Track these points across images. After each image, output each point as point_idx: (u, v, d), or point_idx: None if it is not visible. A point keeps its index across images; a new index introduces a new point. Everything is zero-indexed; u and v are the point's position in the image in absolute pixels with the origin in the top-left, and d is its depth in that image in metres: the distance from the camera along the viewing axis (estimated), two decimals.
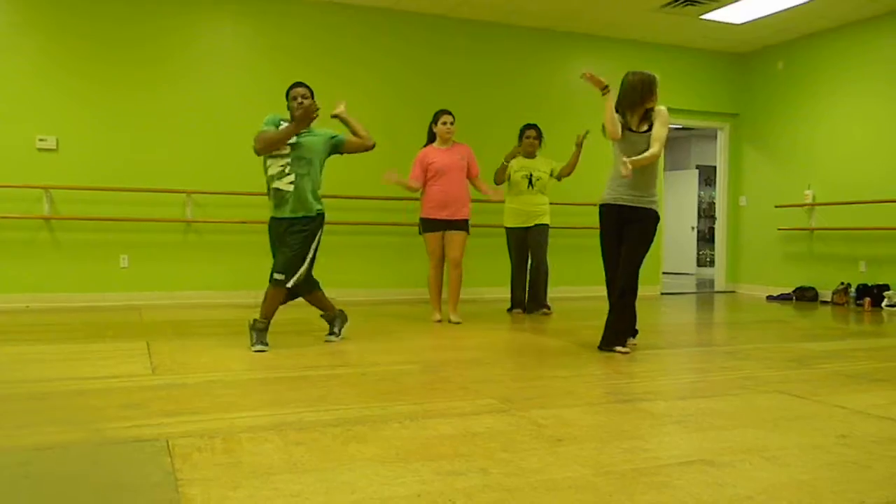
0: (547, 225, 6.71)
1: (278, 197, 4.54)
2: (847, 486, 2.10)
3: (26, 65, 7.03)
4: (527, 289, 6.79)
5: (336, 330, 4.87)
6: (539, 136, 6.77)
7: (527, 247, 6.75)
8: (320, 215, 4.60)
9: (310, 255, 4.54)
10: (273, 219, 4.62)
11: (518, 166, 6.70)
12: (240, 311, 6.61)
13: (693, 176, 14.42)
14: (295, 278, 4.46)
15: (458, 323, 5.86)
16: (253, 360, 4.12)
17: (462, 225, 5.95)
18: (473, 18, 8.50)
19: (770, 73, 9.56)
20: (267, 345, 4.41)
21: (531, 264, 6.79)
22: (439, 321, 5.94)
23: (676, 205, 14.10)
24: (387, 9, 8.11)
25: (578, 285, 8.69)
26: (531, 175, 6.66)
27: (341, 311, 4.95)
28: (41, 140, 7.01)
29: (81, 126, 7.09)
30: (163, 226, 7.29)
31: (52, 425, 2.67)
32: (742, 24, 8.53)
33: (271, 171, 4.56)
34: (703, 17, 8.33)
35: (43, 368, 3.73)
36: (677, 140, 14.68)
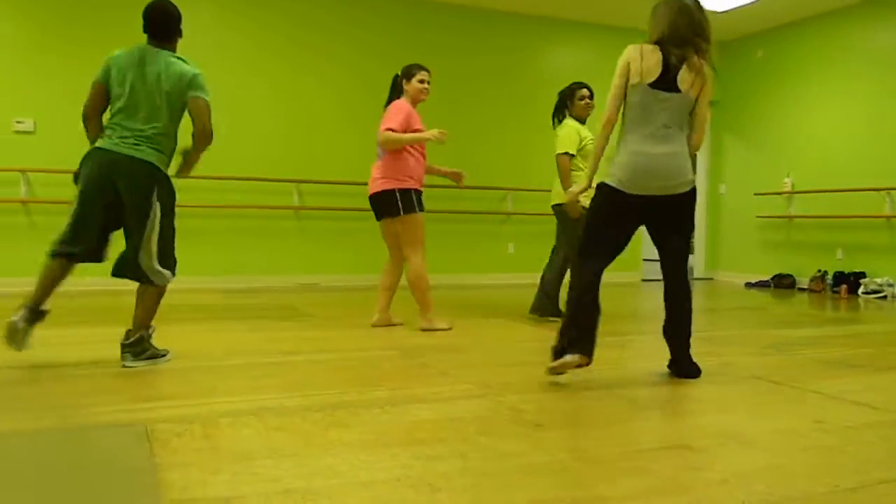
0: None
1: None
2: (822, 470, 2.13)
3: (2, 46, 6.91)
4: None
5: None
6: (594, 96, 5.42)
7: None
8: None
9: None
10: None
11: (587, 134, 5.25)
12: (219, 296, 6.58)
13: None
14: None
15: (401, 324, 5.01)
16: (232, 345, 4.10)
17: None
18: (459, 3, 8.47)
19: (750, 62, 9.61)
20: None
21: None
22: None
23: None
24: None
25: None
26: None
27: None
28: (18, 122, 6.92)
29: (60, 108, 6.99)
30: None
31: (29, 411, 2.64)
32: (723, 12, 8.56)
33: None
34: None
35: (19, 353, 3.69)
36: None
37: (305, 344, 4.20)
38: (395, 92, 4.84)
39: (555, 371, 3.17)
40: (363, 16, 8.12)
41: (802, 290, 8.64)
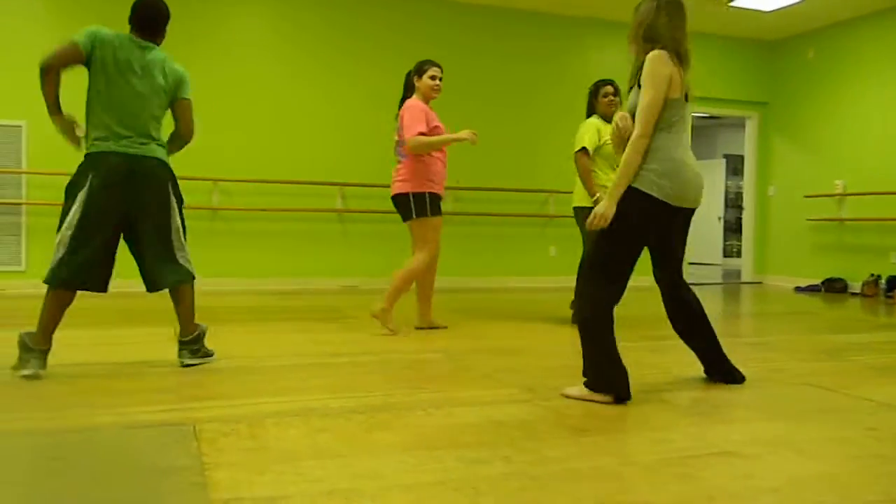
0: None
1: None
2: (874, 479, 2.08)
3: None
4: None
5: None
6: (619, 93, 5.23)
7: None
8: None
9: None
10: None
11: (609, 135, 5.02)
12: (265, 297, 6.66)
13: (720, 165, 14.27)
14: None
15: (445, 327, 4.94)
16: (277, 346, 4.15)
17: None
18: (505, 6, 8.46)
19: (800, 62, 9.41)
20: None
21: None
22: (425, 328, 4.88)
23: (703, 194, 13.95)
24: None
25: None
26: None
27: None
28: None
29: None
30: (189, 213, 7.34)
31: (83, 408, 2.71)
32: (771, 11, 8.41)
33: None
34: (733, 4, 8.21)
35: (75, 353, 3.78)
36: (704, 129, 14.52)
37: (349, 345, 4.22)
38: (408, 90, 4.78)
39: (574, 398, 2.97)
40: (407, 21, 8.16)
41: (855, 294, 8.43)
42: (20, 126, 7.02)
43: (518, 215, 8.51)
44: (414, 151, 4.52)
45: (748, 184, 10.14)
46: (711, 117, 12.87)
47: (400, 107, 4.76)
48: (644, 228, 2.98)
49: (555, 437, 2.43)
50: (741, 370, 3.37)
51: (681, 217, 3.08)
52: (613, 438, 2.44)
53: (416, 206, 4.55)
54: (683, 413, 2.83)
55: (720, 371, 3.33)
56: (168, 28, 3.60)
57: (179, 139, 3.54)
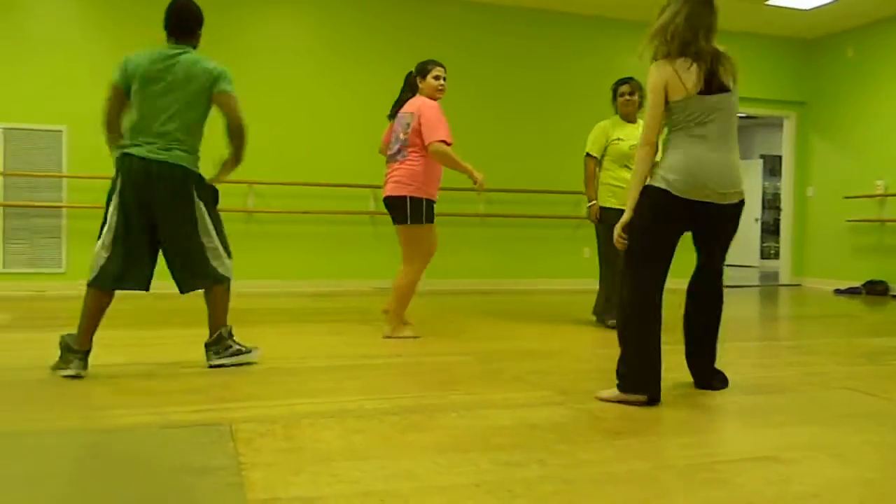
0: None
1: None
2: None
3: (94, 59, 7.24)
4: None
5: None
6: (637, 92, 5.14)
7: None
8: None
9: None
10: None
11: (622, 134, 5.06)
12: (301, 300, 6.72)
13: (757, 166, 14.07)
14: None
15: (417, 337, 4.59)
16: (312, 347, 4.18)
17: None
18: (537, 7, 8.44)
19: (839, 61, 9.25)
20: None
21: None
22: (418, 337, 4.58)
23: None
24: None
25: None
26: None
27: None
28: None
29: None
30: (225, 216, 7.44)
31: (121, 408, 2.75)
32: (810, 9, 8.27)
33: None
34: (769, 2, 8.10)
35: (111, 353, 3.84)
36: (741, 129, 14.28)
37: (381, 348, 4.24)
38: (409, 90, 4.63)
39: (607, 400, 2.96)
40: (439, 25, 8.18)
41: None
42: (61, 130, 7.17)
43: (551, 216, 8.48)
44: (435, 158, 4.39)
45: (786, 184, 9.99)
46: (748, 117, 12.69)
47: (398, 106, 4.62)
48: (658, 219, 2.98)
49: (589, 440, 2.42)
50: (779, 373, 3.33)
51: (708, 212, 3.02)
52: (648, 442, 2.42)
53: (412, 211, 4.41)
54: (718, 416, 2.80)
55: (707, 382, 3.23)
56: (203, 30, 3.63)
57: (231, 135, 3.50)
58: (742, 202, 3.12)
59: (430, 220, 4.48)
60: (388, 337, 4.48)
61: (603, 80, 5.30)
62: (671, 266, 3.04)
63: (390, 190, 4.50)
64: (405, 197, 4.41)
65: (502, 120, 8.49)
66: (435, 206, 4.53)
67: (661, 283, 3.00)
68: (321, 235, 7.81)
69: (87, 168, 7.12)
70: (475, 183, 4.43)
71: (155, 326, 4.92)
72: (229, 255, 3.57)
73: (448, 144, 4.35)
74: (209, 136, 3.59)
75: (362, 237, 7.91)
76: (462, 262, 8.12)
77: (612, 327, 4.82)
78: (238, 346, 3.57)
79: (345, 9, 7.95)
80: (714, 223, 3.11)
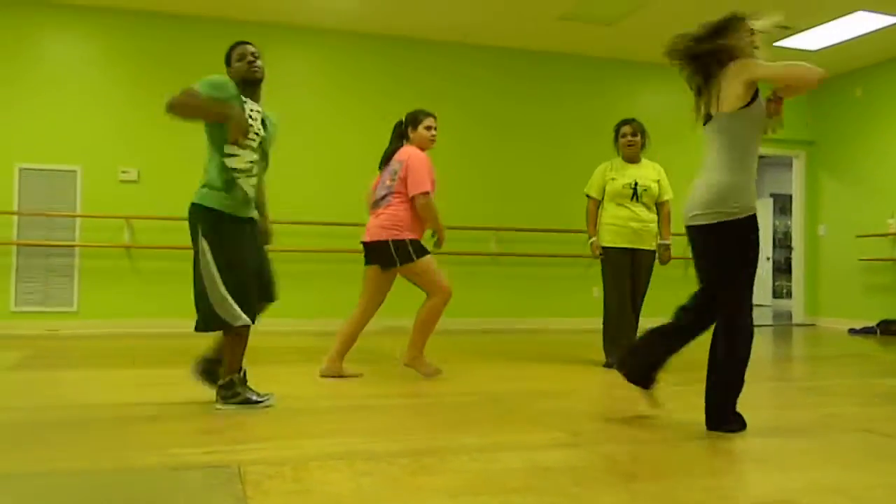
0: (655, 252, 5.18)
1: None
2: None
3: (109, 101, 7.35)
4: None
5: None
6: (640, 134, 5.21)
7: (629, 274, 5.08)
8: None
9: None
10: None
11: (618, 174, 5.13)
12: (312, 338, 6.70)
13: (768, 204, 14.06)
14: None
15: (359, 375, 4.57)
16: (322, 388, 4.16)
17: None
18: (537, 49, 8.54)
19: (848, 100, 9.28)
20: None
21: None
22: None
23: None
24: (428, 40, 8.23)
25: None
26: (636, 184, 5.07)
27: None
28: (123, 172, 7.31)
29: (161, 158, 7.36)
30: None
31: (129, 449, 2.73)
32: (818, 50, 8.33)
33: (237, 164, 3.47)
34: (777, 44, 8.16)
35: (120, 393, 3.83)
36: None
37: (392, 387, 4.21)
38: (398, 139, 4.60)
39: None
40: (450, 66, 8.28)
41: None
42: (75, 171, 7.25)
43: (561, 255, 8.47)
44: (419, 210, 4.37)
45: (797, 223, 9.96)
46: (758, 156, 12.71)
47: (388, 155, 4.59)
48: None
49: (604, 483, 2.38)
50: (795, 414, 3.27)
51: (690, 236, 3.14)
52: (665, 486, 2.38)
53: (398, 252, 4.35)
54: (735, 459, 2.75)
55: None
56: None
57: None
58: (707, 226, 3.05)
59: (421, 254, 4.38)
60: (408, 366, 4.49)
61: (614, 120, 5.38)
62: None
63: (371, 235, 4.45)
64: (386, 241, 4.36)
65: (514, 159, 8.53)
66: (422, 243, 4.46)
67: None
68: (331, 274, 7.81)
69: (100, 208, 7.19)
70: (437, 240, 4.53)
71: (165, 366, 4.91)
72: (242, 301, 3.37)
73: (428, 194, 4.36)
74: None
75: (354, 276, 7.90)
76: (473, 301, 8.08)
77: (609, 366, 4.88)
78: (248, 395, 3.48)
79: (356, 49, 8.07)
80: (693, 247, 3.16)
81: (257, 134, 3.51)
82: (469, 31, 8.07)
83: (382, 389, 4.12)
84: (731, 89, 3.01)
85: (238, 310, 3.35)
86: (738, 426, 3.09)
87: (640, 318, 5.12)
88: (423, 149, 4.50)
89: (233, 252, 3.41)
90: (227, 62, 3.64)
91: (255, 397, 3.50)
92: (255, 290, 3.51)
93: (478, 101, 8.41)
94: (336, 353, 4.54)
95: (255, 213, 3.60)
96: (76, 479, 2.36)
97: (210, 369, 3.58)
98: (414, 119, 4.56)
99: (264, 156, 3.62)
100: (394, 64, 8.14)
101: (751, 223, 3.02)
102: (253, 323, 3.43)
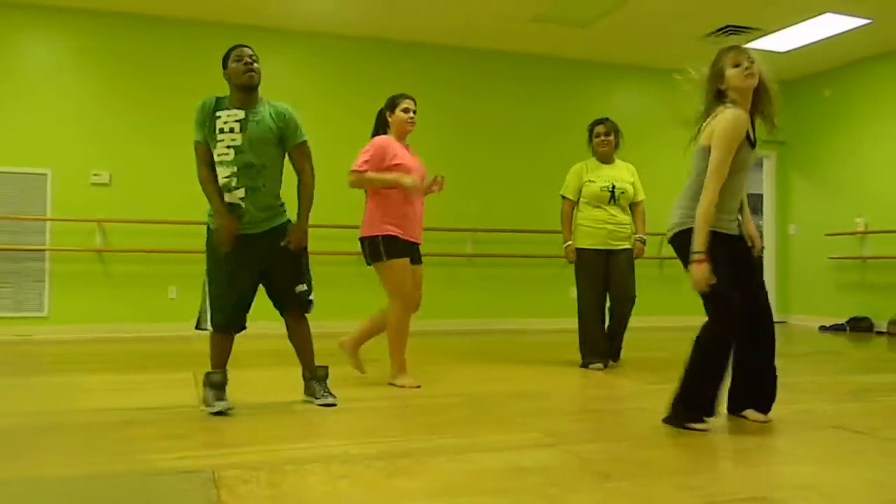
0: (632, 251, 5.19)
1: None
2: None
3: (80, 103, 7.26)
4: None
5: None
6: (614, 134, 5.20)
7: (606, 278, 5.11)
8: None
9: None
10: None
11: (594, 176, 5.14)
12: (286, 342, 6.64)
13: None
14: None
15: (418, 387, 4.27)
16: (297, 392, 4.12)
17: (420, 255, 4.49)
18: (512, 50, 8.57)
19: (817, 101, 9.42)
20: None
21: (610, 303, 5.18)
22: (419, 386, 4.27)
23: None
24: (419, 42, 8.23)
25: None
26: (614, 187, 5.09)
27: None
28: (95, 175, 7.22)
29: (133, 160, 7.29)
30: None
31: (101, 455, 2.70)
32: (787, 52, 8.44)
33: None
34: (747, 45, 8.25)
35: (92, 398, 3.79)
36: None
37: (368, 390, 4.20)
38: (380, 128, 4.43)
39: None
40: (425, 67, 8.28)
41: (881, 333, 8.29)
42: (45, 174, 7.15)
43: (538, 256, 8.50)
44: (353, 187, 4.28)
45: (768, 223, 10.08)
46: None
47: None
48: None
49: (579, 483, 2.39)
50: (769, 412, 3.31)
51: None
52: (639, 484, 2.39)
53: (369, 251, 4.25)
54: (710, 457, 2.78)
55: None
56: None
57: None
58: (674, 235, 3.27)
59: (395, 255, 4.20)
60: (391, 384, 4.31)
61: (588, 122, 5.41)
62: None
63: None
64: (363, 238, 4.33)
65: (490, 160, 8.55)
66: (406, 245, 4.25)
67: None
68: (317, 277, 7.77)
69: (71, 211, 7.10)
70: (413, 189, 4.21)
71: (137, 371, 4.85)
72: (214, 308, 3.55)
73: (359, 172, 4.20)
74: None
75: (347, 278, 7.87)
76: (449, 302, 8.09)
77: (586, 367, 5.00)
78: (206, 396, 3.47)
79: (333, 52, 8.04)
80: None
81: (229, 147, 3.45)
82: (444, 33, 8.08)
83: (358, 393, 4.10)
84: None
85: (208, 316, 3.54)
86: (676, 421, 3.16)
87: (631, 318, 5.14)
88: (403, 132, 4.34)
89: (212, 264, 3.55)
90: (224, 64, 3.59)
91: (208, 401, 3.45)
92: (233, 302, 3.57)
93: (452, 102, 8.41)
94: (358, 335, 4.56)
95: (252, 227, 3.53)
96: (47, 486, 2.32)
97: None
98: (392, 103, 4.39)
99: (260, 157, 3.51)
100: (368, 66, 8.11)
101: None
102: (227, 332, 3.62)
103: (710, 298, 3.14)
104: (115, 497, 2.23)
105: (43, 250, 7.08)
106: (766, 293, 3.39)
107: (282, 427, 3.20)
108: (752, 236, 3.41)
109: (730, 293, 3.11)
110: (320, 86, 8.00)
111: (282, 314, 3.80)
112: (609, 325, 5.16)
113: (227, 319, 3.54)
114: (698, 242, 3.07)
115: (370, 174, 4.18)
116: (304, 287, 3.74)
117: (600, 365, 5.00)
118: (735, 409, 3.35)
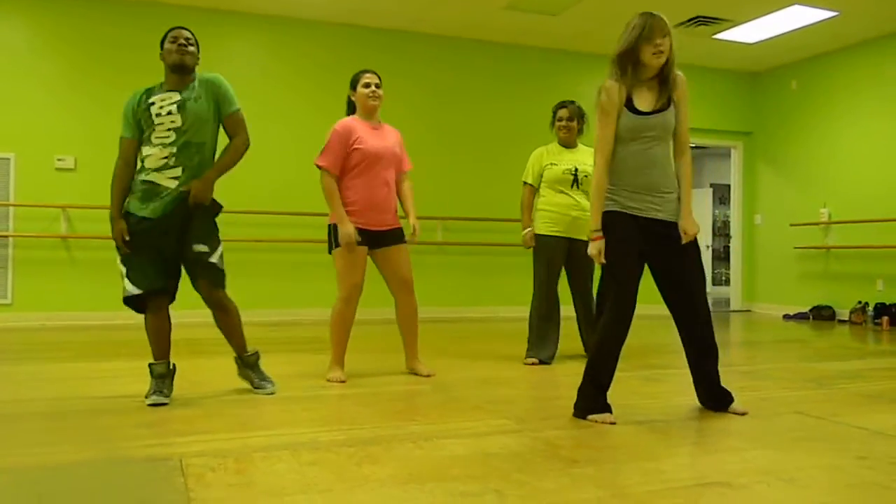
0: None
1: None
2: None
3: (42, 85, 7.12)
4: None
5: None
6: (577, 119, 5.03)
7: (562, 265, 4.93)
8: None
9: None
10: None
11: (556, 159, 4.94)
12: (256, 329, 6.61)
13: (707, 194, 14.38)
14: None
15: (430, 375, 4.27)
16: None
17: (402, 235, 4.34)
18: (482, 39, 8.56)
19: (784, 92, 9.55)
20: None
21: (573, 295, 5.04)
22: (344, 381, 4.05)
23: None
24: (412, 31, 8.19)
25: None
26: (576, 170, 4.89)
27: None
28: (59, 160, 7.10)
29: (99, 145, 7.17)
30: None
31: (67, 444, 2.67)
32: (755, 43, 8.54)
33: (148, 164, 3.48)
34: (716, 36, 8.34)
35: (58, 387, 3.74)
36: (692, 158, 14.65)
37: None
38: (351, 111, 4.29)
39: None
40: (395, 60, 8.24)
41: (843, 322, 8.47)
42: (8, 158, 7.01)
43: (507, 245, 8.52)
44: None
45: (735, 213, 10.22)
46: (697, 147, 12.98)
47: None
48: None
49: (546, 469, 2.42)
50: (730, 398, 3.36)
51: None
52: (605, 469, 2.43)
53: (329, 239, 4.14)
54: (673, 443, 2.82)
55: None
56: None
57: None
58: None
59: (338, 245, 4.06)
60: (329, 381, 4.08)
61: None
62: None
63: None
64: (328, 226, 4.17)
65: (460, 148, 8.55)
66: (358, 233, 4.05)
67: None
68: (275, 264, 7.74)
69: (35, 197, 6.97)
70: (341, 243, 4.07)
71: (103, 359, 4.80)
72: (126, 279, 3.57)
73: (322, 168, 4.09)
74: None
75: (317, 266, 7.84)
76: (419, 290, 8.01)
77: (531, 361, 4.85)
78: (155, 391, 3.39)
79: (295, 41, 7.97)
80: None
81: (170, 130, 3.42)
82: (415, 19, 8.05)
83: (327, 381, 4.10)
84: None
85: (125, 285, 3.54)
86: (579, 412, 3.16)
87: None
88: (367, 109, 4.16)
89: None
90: (161, 45, 3.56)
91: (150, 391, 3.40)
92: (143, 266, 3.57)
93: (423, 89, 8.39)
94: (405, 348, 4.44)
95: (158, 207, 3.48)
96: (10, 477, 2.29)
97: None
98: (353, 81, 4.22)
99: (200, 135, 3.50)
100: (337, 52, 8.05)
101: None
102: (149, 301, 3.61)
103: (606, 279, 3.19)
104: (81, 486, 2.21)
105: (7, 236, 6.96)
106: (700, 285, 3.28)
107: (250, 415, 3.19)
108: (683, 227, 3.18)
109: (622, 276, 3.12)
110: (287, 72, 7.93)
111: (195, 288, 3.67)
112: (579, 318, 5.02)
113: (142, 282, 3.53)
114: (593, 220, 3.13)
115: (327, 194, 4.07)
116: (204, 248, 3.56)
117: (535, 360, 4.83)
118: (713, 408, 3.35)
